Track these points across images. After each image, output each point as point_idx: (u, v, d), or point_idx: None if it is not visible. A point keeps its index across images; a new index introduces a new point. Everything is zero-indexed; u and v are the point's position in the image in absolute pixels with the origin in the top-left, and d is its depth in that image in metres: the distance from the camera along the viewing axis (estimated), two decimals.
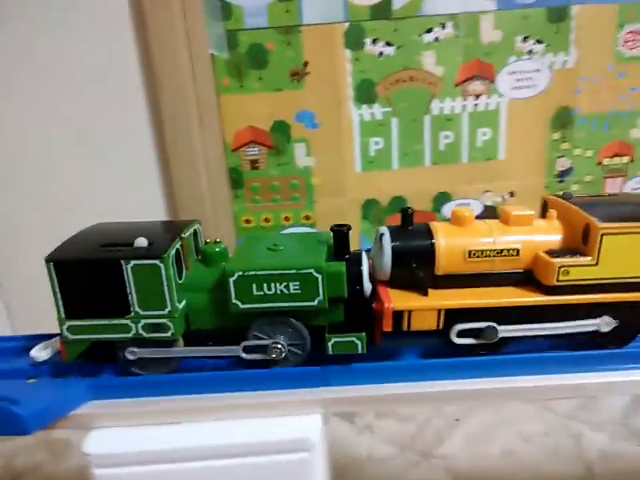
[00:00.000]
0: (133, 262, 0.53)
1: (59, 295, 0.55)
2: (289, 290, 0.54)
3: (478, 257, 0.57)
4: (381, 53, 1.15)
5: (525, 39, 1.16)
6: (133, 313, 0.55)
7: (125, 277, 0.54)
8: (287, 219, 1.26)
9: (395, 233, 0.59)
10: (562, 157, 1.26)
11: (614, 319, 0.58)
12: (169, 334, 0.55)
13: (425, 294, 0.57)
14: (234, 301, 0.55)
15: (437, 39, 1.15)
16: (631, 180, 1.29)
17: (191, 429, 0.50)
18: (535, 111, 1.22)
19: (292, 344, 0.57)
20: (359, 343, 0.55)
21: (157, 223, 0.66)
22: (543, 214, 0.64)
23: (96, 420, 0.50)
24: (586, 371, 0.58)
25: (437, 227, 0.59)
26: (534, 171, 1.27)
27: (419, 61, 1.16)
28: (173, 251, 0.56)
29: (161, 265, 0.53)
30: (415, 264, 0.57)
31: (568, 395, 0.60)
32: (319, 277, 0.54)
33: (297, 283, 0.54)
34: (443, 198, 1.27)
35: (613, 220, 0.55)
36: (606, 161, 1.27)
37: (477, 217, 1.38)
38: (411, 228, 0.60)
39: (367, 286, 0.57)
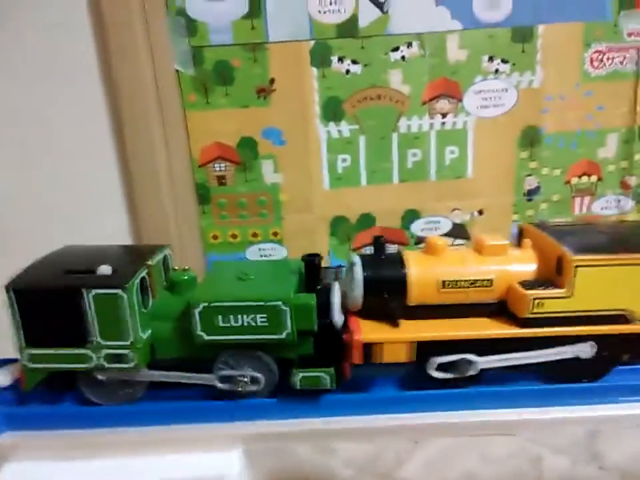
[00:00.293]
0: (94, 291, 0.51)
1: (19, 323, 0.53)
2: (255, 322, 0.52)
3: (451, 287, 0.56)
4: (347, 71, 1.15)
5: (491, 58, 1.17)
6: (94, 343, 0.53)
7: (86, 306, 0.52)
8: (254, 235, 1.26)
9: (366, 262, 0.57)
10: (530, 175, 1.26)
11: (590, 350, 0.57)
12: (131, 365, 0.53)
13: (397, 325, 0.56)
14: (199, 332, 0.53)
15: (403, 58, 1.15)
16: (599, 199, 1.29)
17: (104, 464, 0.48)
18: (502, 129, 1.22)
19: (259, 376, 0.55)
20: (327, 377, 0.54)
21: (125, 247, 0.65)
22: (519, 242, 0.62)
23: (9, 452, 0.49)
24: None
25: (410, 256, 0.57)
26: (502, 190, 1.27)
27: (385, 79, 1.16)
28: (137, 280, 0.53)
29: (124, 295, 0.51)
30: (387, 294, 0.56)
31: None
32: (287, 309, 0.52)
33: (264, 316, 0.52)
34: (411, 215, 1.27)
35: (587, 252, 0.53)
36: (574, 180, 1.28)
37: (446, 235, 1.37)
38: (383, 257, 0.58)
39: (338, 318, 0.55)
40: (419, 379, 0.59)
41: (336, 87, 1.16)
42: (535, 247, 0.60)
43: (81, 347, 0.53)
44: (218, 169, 1.20)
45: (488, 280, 0.56)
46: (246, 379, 0.54)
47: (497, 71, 1.18)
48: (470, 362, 0.55)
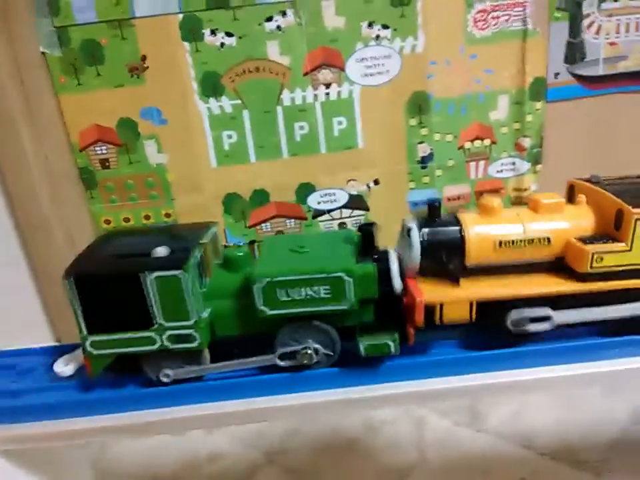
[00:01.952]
0: (154, 274, 0.51)
1: (79, 310, 0.53)
2: (318, 294, 0.53)
3: (508, 246, 0.56)
4: (222, 44, 1.11)
5: (371, 24, 1.14)
6: (156, 325, 0.54)
7: (146, 289, 0.52)
8: (147, 217, 1.24)
9: (422, 225, 0.57)
10: (422, 142, 1.25)
11: None
12: (195, 344, 0.54)
13: (457, 285, 0.56)
14: (261, 307, 0.53)
15: (279, 28, 1.11)
16: (495, 162, 1.29)
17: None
18: (389, 97, 1.20)
19: (322, 347, 0.56)
20: (391, 343, 0.54)
21: (173, 227, 0.65)
22: (570, 199, 0.62)
23: None
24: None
25: (466, 217, 0.57)
26: (396, 158, 1.26)
27: (263, 50, 1.13)
28: (195, 260, 0.54)
29: (183, 275, 0.51)
30: (445, 256, 0.56)
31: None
32: (350, 280, 0.52)
33: (327, 287, 0.52)
34: (306, 189, 1.26)
35: None
36: (467, 145, 1.27)
37: (344, 207, 1.36)
38: (438, 220, 0.57)
39: (398, 284, 0.55)
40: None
41: (211, 61, 1.12)
42: (589, 202, 0.60)
43: (144, 330, 0.53)
44: (100, 152, 1.17)
45: (545, 237, 0.56)
46: (310, 352, 0.55)
47: (377, 37, 1.15)
48: (548, 317, 0.56)
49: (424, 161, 1.26)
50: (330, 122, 1.20)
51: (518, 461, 0.93)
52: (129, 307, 0.53)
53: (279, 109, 1.18)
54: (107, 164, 1.18)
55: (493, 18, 1.17)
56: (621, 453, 0.90)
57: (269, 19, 1.11)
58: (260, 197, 1.25)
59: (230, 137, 1.19)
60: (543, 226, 0.57)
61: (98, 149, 1.17)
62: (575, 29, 1.20)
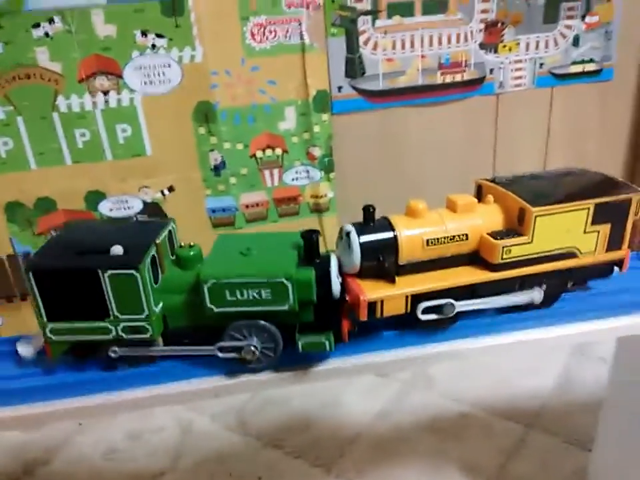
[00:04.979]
0: (110, 271, 0.56)
1: (39, 300, 0.57)
2: (260, 296, 0.58)
3: (434, 244, 0.64)
4: None
5: (144, 33, 1.15)
6: (111, 317, 0.58)
7: (103, 284, 0.56)
8: None
9: (360, 229, 0.63)
10: (213, 150, 1.27)
11: (544, 288, 0.68)
12: (147, 335, 0.59)
13: (393, 282, 0.63)
14: (209, 305, 0.58)
15: (47, 35, 1.11)
16: (289, 171, 1.33)
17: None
18: (173, 106, 1.21)
19: (265, 345, 0.60)
20: (326, 341, 0.60)
21: (132, 224, 0.70)
22: (479, 198, 0.70)
23: None
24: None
25: (397, 220, 0.64)
26: (188, 166, 1.28)
27: (32, 57, 1.12)
28: (149, 259, 0.58)
29: (137, 274, 0.56)
30: (382, 256, 0.62)
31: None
32: (289, 284, 0.57)
33: (269, 290, 0.58)
34: (96, 196, 1.25)
35: (543, 203, 0.63)
36: (259, 154, 1.30)
37: (140, 213, 1.35)
38: (373, 224, 0.64)
39: (336, 288, 0.61)
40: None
41: None
42: (496, 201, 0.68)
43: (100, 321, 0.58)
44: None
45: (464, 234, 0.64)
46: (251, 349, 0.59)
47: (153, 46, 1.16)
48: (454, 305, 0.64)
49: (217, 168, 1.29)
50: (113, 129, 1.20)
51: (262, 461, 0.95)
52: (86, 299, 0.57)
53: (55, 115, 1.17)
54: None
55: (270, 32, 1.21)
56: (355, 453, 0.94)
57: (36, 26, 1.10)
58: (45, 204, 1.23)
59: (5, 143, 1.16)
60: (461, 224, 0.65)
61: None
62: (352, 45, 1.27)
